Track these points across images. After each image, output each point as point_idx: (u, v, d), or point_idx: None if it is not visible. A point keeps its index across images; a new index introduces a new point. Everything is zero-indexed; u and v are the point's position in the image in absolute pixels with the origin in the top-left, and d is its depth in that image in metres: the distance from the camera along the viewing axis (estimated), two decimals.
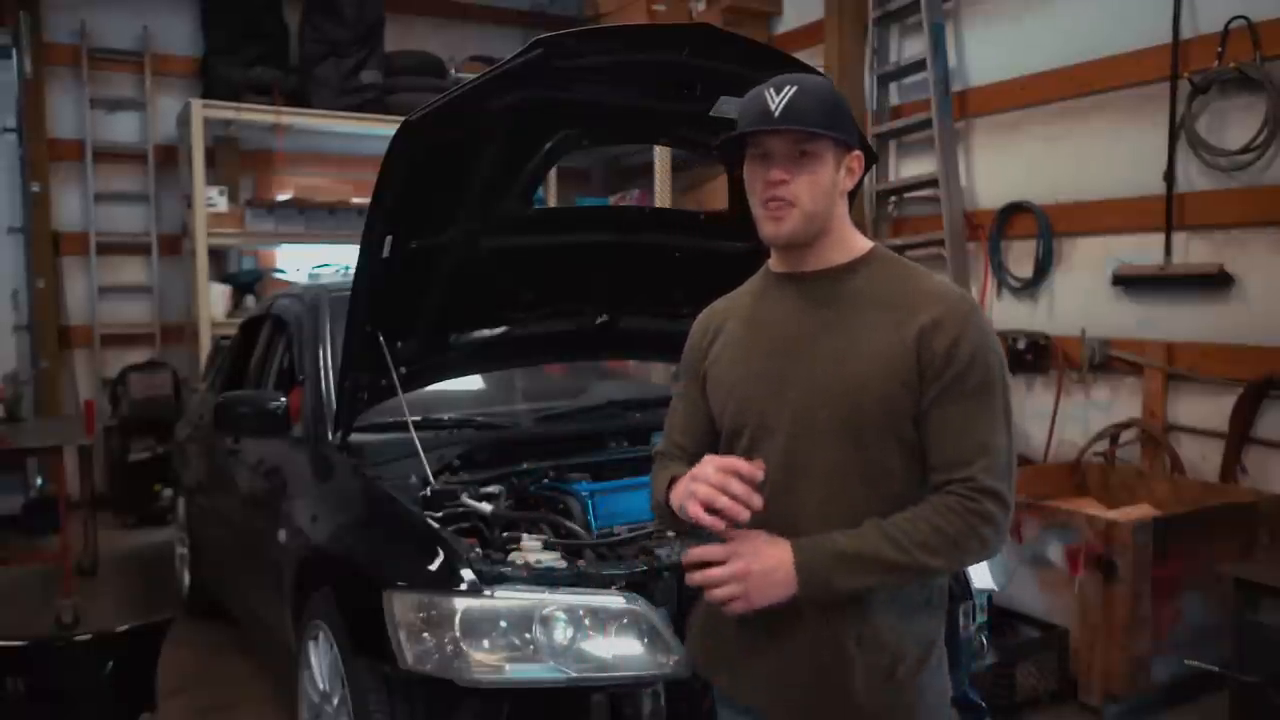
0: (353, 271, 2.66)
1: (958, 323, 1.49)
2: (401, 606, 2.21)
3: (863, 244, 1.62)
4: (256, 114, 6.60)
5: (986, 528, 1.45)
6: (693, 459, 1.60)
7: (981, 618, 2.77)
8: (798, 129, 1.50)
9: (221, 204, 6.53)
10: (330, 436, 3.00)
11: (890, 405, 1.49)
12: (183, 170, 6.71)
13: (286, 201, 6.81)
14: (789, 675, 1.56)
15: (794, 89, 1.52)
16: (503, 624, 2.15)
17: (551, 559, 2.36)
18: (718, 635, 1.67)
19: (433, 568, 2.26)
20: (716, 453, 1.63)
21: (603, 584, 2.24)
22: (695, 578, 1.48)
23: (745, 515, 1.43)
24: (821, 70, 3.35)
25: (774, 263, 1.67)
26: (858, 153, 1.58)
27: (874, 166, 5.44)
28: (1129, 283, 4.54)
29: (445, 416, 3.18)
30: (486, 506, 2.57)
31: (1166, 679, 3.52)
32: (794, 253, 1.60)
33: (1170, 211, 4.32)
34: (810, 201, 1.53)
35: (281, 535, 2.94)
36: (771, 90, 1.53)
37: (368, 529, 2.70)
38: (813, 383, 1.53)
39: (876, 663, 1.52)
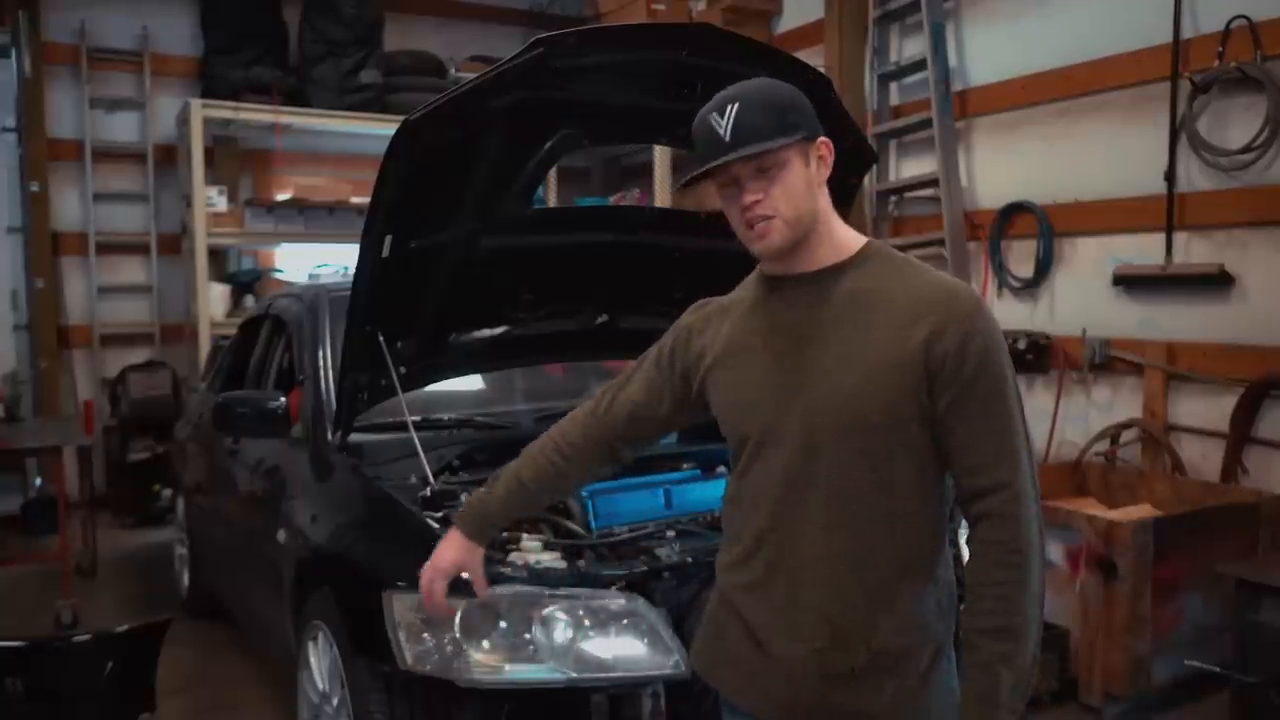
0: (352, 271, 2.66)
1: (964, 321, 1.46)
2: (401, 607, 2.21)
3: (854, 240, 1.59)
4: (256, 114, 6.59)
5: (1024, 539, 1.46)
6: (621, 429, 1.83)
7: None
8: (754, 150, 1.47)
9: (221, 204, 6.53)
10: (330, 436, 2.99)
11: (895, 412, 1.47)
12: (182, 170, 6.71)
13: (286, 201, 6.82)
14: (797, 682, 1.54)
15: (736, 106, 1.48)
16: (502, 624, 2.15)
17: (551, 559, 2.35)
18: (723, 641, 1.66)
19: None
20: (637, 438, 1.85)
21: (603, 584, 2.23)
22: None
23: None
24: (822, 69, 3.34)
25: (766, 266, 1.63)
26: (823, 139, 1.55)
27: (874, 166, 5.44)
28: (1130, 283, 4.54)
29: (445, 416, 3.17)
30: None
31: (1167, 679, 3.52)
32: (786, 257, 1.57)
33: (1171, 211, 4.32)
34: (790, 209, 1.50)
35: (281, 535, 2.93)
36: (715, 115, 1.50)
37: (367, 529, 2.69)
38: (816, 391, 1.51)
39: (889, 670, 1.51)
